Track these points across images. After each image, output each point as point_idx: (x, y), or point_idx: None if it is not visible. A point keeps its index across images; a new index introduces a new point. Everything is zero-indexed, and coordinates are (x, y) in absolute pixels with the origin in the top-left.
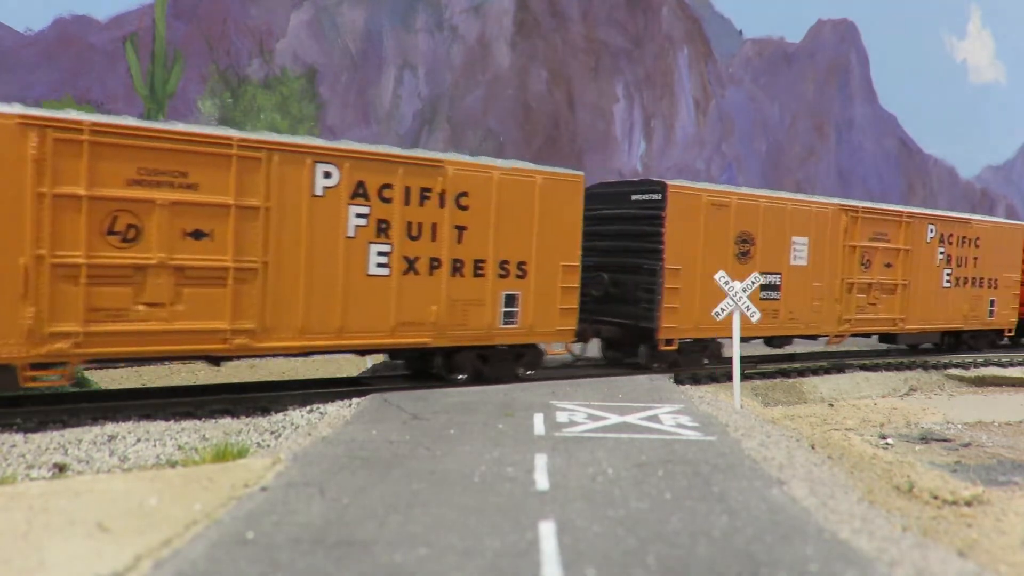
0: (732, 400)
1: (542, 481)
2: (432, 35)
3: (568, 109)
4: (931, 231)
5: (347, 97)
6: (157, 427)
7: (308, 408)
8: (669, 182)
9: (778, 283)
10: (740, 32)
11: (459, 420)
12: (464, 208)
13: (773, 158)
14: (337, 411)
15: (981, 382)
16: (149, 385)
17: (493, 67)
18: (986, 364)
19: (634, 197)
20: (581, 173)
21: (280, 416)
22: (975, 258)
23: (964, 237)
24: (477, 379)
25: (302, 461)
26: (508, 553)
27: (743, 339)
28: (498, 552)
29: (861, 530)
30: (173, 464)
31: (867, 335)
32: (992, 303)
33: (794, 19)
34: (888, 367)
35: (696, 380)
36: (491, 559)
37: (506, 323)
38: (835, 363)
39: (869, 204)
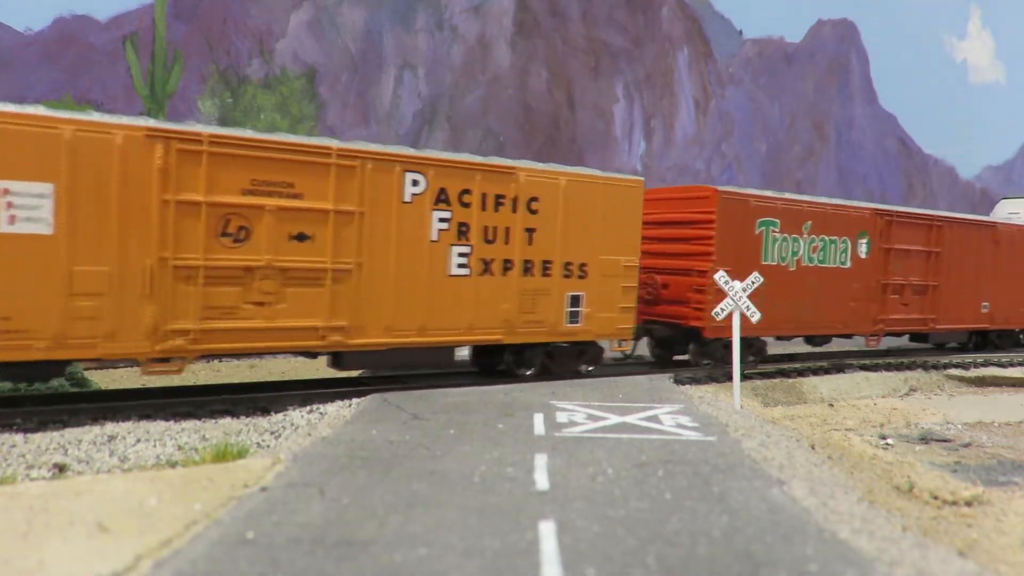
0: (732, 400)
1: (542, 481)
2: (432, 35)
3: (568, 109)
4: (415, 183)
5: (347, 97)
6: (157, 427)
7: (308, 408)
8: None
9: None
10: (740, 32)
11: (459, 420)
12: None
13: (773, 158)
14: (337, 411)
15: (981, 382)
16: (149, 385)
17: (493, 67)
18: (986, 364)
19: None
20: None
21: (280, 416)
22: (529, 230)
23: (501, 196)
24: None
25: (302, 461)
26: (508, 553)
27: None
28: (498, 552)
29: (861, 530)
30: (173, 464)
31: (253, 354)
32: (576, 301)
33: (794, 19)
34: (888, 367)
35: (696, 380)
36: (491, 559)
37: None
38: (835, 363)
39: (229, 131)
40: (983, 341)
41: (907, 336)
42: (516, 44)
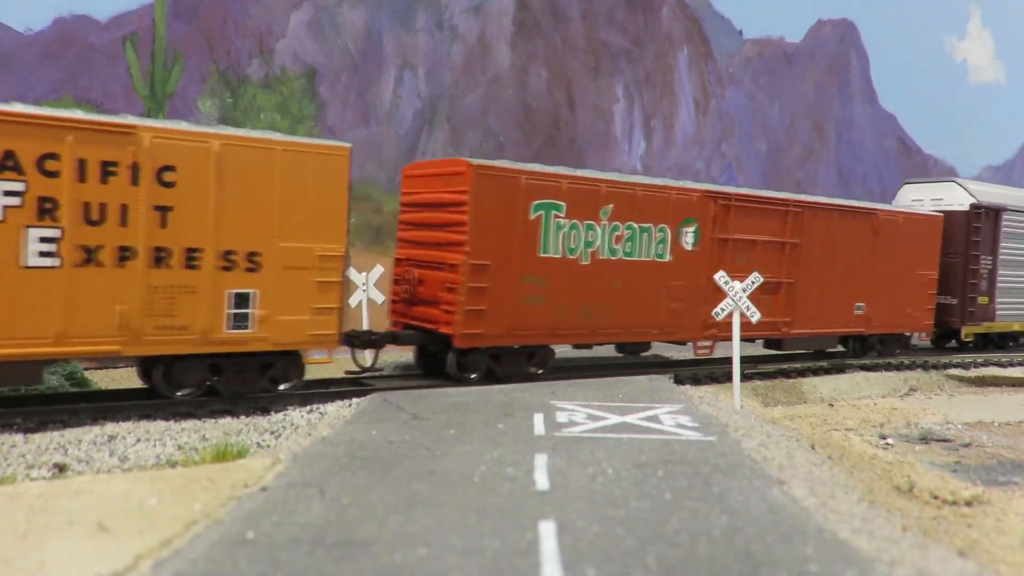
0: (732, 400)
1: (542, 481)
2: (432, 35)
3: (568, 109)
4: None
5: (347, 97)
6: (157, 427)
7: (308, 408)
8: None
9: None
10: (740, 32)
11: (459, 420)
12: None
13: (773, 158)
14: (337, 411)
15: (981, 382)
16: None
17: (493, 67)
18: (986, 364)
19: None
20: None
21: (280, 416)
22: (162, 208)
23: (112, 164)
24: None
25: (302, 461)
26: (508, 553)
27: None
28: (498, 552)
29: (861, 530)
30: (173, 464)
31: None
32: (243, 300)
33: (794, 19)
34: (888, 367)
35: (696, 380)
36: (491, 559)
37: None
38: (835, 363)
39: None
40: (863, 347)
41: (761, 342)
42: (516, 44)
